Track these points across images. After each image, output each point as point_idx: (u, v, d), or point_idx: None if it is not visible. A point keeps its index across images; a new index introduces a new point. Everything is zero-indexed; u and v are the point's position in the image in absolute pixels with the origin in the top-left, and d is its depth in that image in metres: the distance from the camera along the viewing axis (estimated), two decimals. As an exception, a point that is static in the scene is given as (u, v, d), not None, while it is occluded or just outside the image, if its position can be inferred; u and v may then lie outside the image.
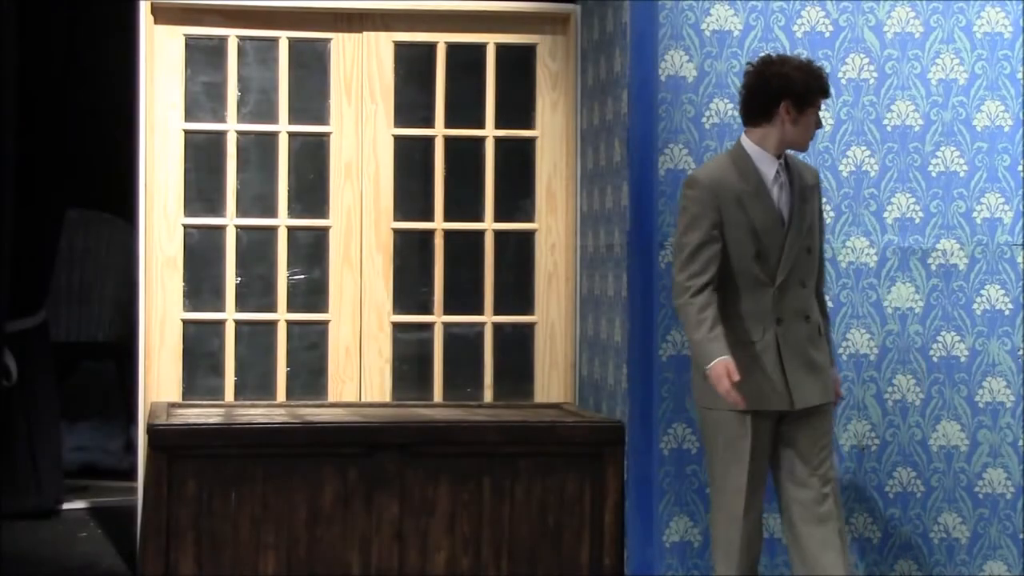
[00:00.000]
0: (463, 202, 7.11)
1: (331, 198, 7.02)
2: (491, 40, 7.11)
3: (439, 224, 7.08)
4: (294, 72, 7.03)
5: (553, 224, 7.14)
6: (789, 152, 5.52)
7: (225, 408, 6.73)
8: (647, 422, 6.19)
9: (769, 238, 5.42)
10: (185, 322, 6.93)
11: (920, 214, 6.33)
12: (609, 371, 6.51)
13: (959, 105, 6.34)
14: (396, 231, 7.06)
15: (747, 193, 5.43)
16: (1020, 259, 6.34)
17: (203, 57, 6.99)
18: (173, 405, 6.73)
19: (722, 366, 5.29)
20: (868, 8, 6.30)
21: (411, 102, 7.10)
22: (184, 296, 6.93)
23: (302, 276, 7.04)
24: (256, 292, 7.00)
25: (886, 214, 6.32)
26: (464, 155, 7.13)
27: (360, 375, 7.01)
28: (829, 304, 5.87)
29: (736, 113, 6.21)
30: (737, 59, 6.23)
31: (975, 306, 6.33)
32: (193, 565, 6.05)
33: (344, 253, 7.02)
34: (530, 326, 7.11)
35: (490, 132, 7.11)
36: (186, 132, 6.95)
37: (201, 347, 6.95)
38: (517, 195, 7.15)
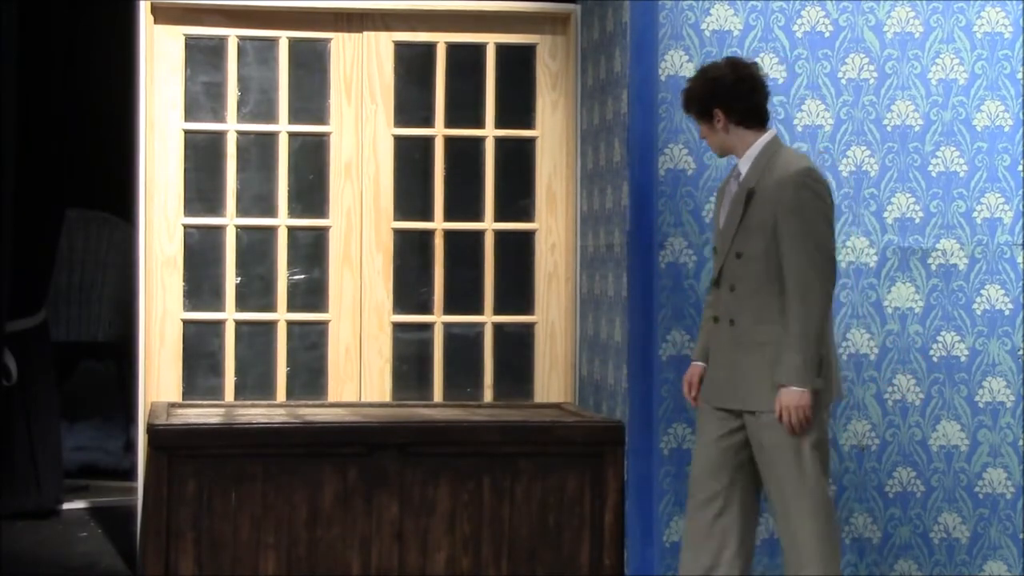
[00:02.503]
0: (463, 202, 7.11)
1: (331, 198, 7.02)
2: (491, 40, 7.11)
3: (439, 224, 7.08)
4: (294, 72, 7.03)
5: (553, 224, 7.14)
6: (777, 151, 5.45)
7: (225, 408, 6.73)
8: (647, 422, 6.19)
9: (717, 239, 5.55)
10: (185, 322, 6.93)
11: (920, 214, 6.33)
12: (609, 371, 6.51)
13: (959, 105, 6.34)
14: (396, 231, 7.06)
15: (723, 192, 5.58)
16: (1020, 259, 6.34)
17: (203, 57, 6.99)
18: (173, 405, 6.73)
19: (689, 370, 5.66)
20: (868, 8, 6.30)
21: (411, 102, 7.10)
22: (184, 296, 6.93)
23: (302, 276, 7.04)
24: (256, 292, 7.01)
25: (886, 214, 6.32)
26: (464, 155, 7.13)
27: (360, 375, 7.01)
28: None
29: (736, 113, 6.22)
30: (737, 59, 6.22)
31: (975, 306, 6.33)
32: (193, 565, 6.05)
33: (344, 253, 7.02)
34: (530, 326, 7.11)
35: (490, 132, 7.11)
36: (186, 132, 6.95)
37: (201, 347, 6.96)
38: (517, 195, 7.15)
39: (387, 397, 7.02)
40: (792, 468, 5.32)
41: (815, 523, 5.31)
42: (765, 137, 5.47)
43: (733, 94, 5.43)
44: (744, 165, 5.46)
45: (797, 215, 5.30)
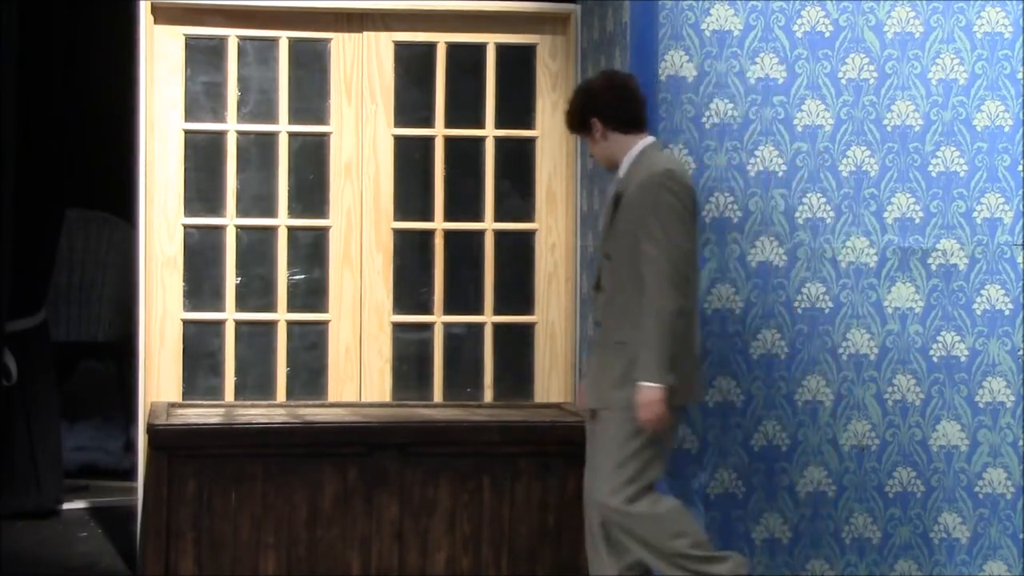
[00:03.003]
0: (463, 202, 7.11)
1: (331, 198, 7.02)
2: (491, 40, 7.11)
3: (439, 224, 7.08)
4: (294, 72, 7.03)
5: (553, 224, 7.14)
6: (649, 155, 5.58)
7: (225, 408, 6.73)
8: (647, 422, 6.19)
9: (597, 243, 5.71)
10: (185, 322, 6.93)
11: (920, 214, 6.33)
12: (609, 371, 6.51)
13: (959, 105, 6.34)
14: (396, 231, 7.06)
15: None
16: (1020, 259, 6.34)
17: (203, 57, 6.99)
18: (173, 405, 6.72)
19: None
20: (868, 8, 6.30)
21: (411, 102, 7.10)
22: (184, 296, 6.93)
23: (302, 276, 7.04)
24: (256, 292, 7.00)
25: (886, 214, 6.32)
26: (464, 155, 7.13)
27: (360, 375, 7.01)
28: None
29: (736, 113, 6.23)
30: (737, 59, 6.23)
31: (975, 306, 6.33)
32: (193, 565, 6.05)
33: (344, 253, 7.02)
34: (530, 326, 7.11)
35: (490, 132, 7.11)
36: (186, 132, 6.95)
37: (201, 347, 6.95)
38: (517, 195, 7.15)
39: (387, 397, 7.02)
40: (611, 459, 5.46)
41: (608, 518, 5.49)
42: (643, 142, 5.61)
43: (608, 102, 5.61)
44: (621, 170, 5.61)
45: (653, 216, 5.41)
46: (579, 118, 5.66)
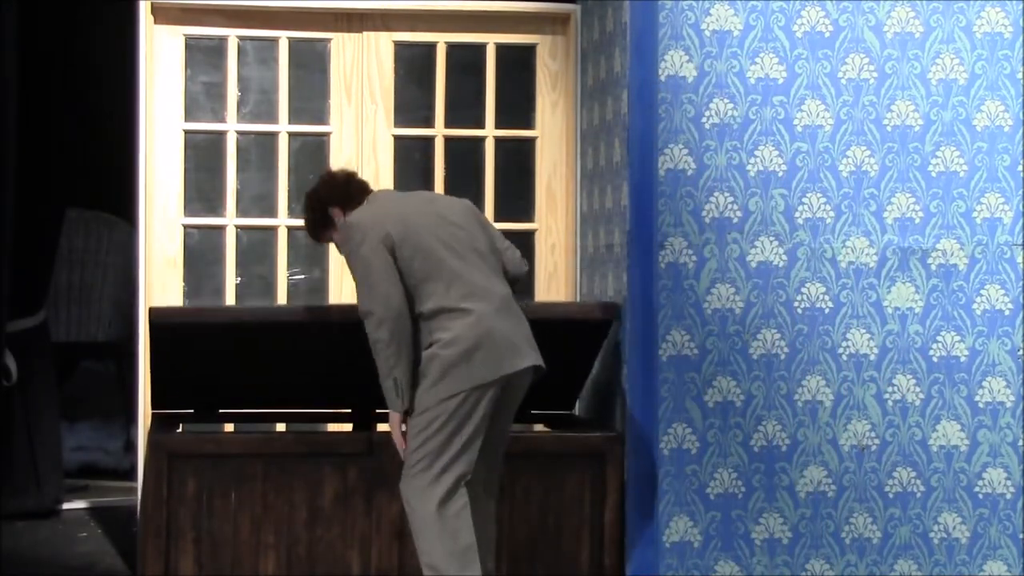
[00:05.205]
0: (463, 202, 7.10)
1: (331, 198, 7.02)
2: (491, 40, 7.11)
3: (439, 224, 7.07)
4: (294, 72, 7.03)
5: (553, 224, 7.14)
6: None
7: (225, 408, 6.72)
8: (647, 422, 6.19)
9: None
10: (185, 322, 6.92)
11: (920, 214, 6.33)
12: (609, 370, 6.51)
13: (959, 105, 6.34)
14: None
15: None
16: (1020, 259, 6.34)
17: (203, 57, 6.99)
18: (173, 405, 6.72)
19: None
20: (868, 8, 6.30)
21: (411, 102, 7.10)
22: (184, 296, 6.93)
23: (302, 276, 7.04)
24: (256, 292, 7.00)
25: (886, 214, 6.32)
26: (464, 155, 7.13)
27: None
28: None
29: (736, 113, 6.23)
30: (737, 59, 6.23)
31: (975, 306, 6.33)
32: (193, 565, 6.04)
33: (344, 253, 7.01)
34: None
35: (490, 132, 7.11)
36: (186, 132, 6.95)
37: (201, 347, 6.95)
38: (517, 195, 7.15)
39: (387, 397, 7.01)
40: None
41: (411, 513, 5.56)
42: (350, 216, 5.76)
43: (342, 189, 5.82)
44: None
45: (349, 262, 5.69)
46: (319, 217, 5.84)
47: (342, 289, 6.99)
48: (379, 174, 7.03)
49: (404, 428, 5.58)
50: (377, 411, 6.37)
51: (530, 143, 7.14)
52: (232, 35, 6.98)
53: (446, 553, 5.48)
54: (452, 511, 5.51)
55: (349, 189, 5.80)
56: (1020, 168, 6.34)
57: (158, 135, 6.90)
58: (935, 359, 6.32)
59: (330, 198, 5.79)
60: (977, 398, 6.32)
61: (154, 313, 6.09)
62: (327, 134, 7.04)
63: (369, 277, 5.55)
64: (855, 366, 6.28)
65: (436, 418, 5.50)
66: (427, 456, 5.51)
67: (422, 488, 5.51)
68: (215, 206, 6.98)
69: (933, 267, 6.33)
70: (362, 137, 7.04)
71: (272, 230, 7.01)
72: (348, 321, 5.74)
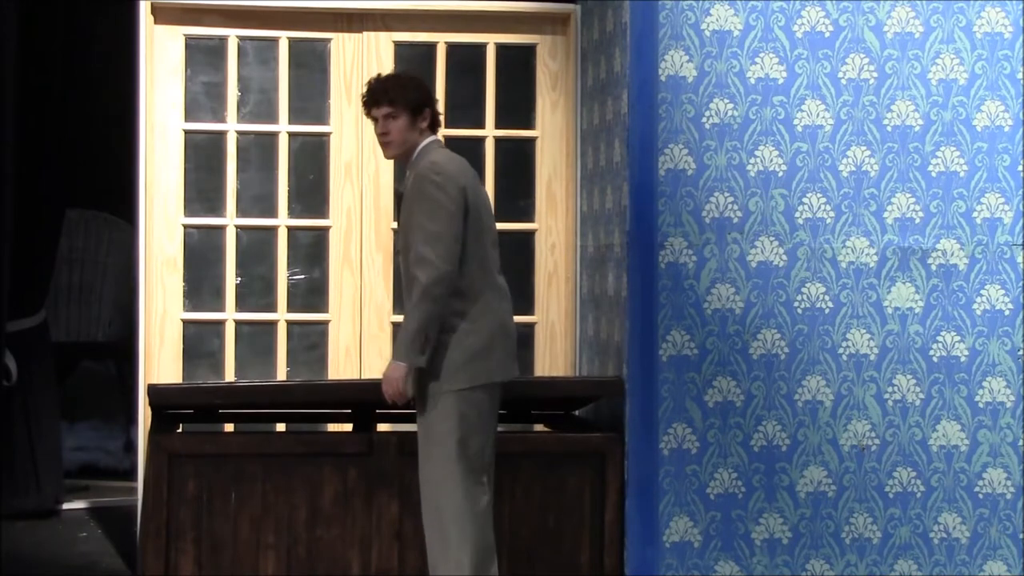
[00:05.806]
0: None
1: (331, 198, 7.02)
2: (491, 40, 7.11)
3: (439, 224, 7.07)
4: (294, 72, 7.03)
5: (553, 224, 7.14)
6: (427, 151, 5.67)
7: (225, 408, 6.72)
8: (647, 422, 6.19)
9: None
10: (185, 322, 6.93)
11: (920, 214, 6.33)
12: (609, 371, 6.51)
13: (959, 105, 6.34)
14: (396, 231, 7.06)
15: None
16: (1020, 259, 6.34)
17: (203, 57, 6.99)
18: (173, 405, 6.72)
19: None
20: (868, 8, 6.30)
21: (411, 102, 7.09)
22: (184, 296, 6.93)
23: (302, 276, 7.04)
24: (256, 292, 7.01)
25: (886, 214, 6.32)
26: (464, 155, 7.09)
27: (360, 375, 7.00)
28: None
29: (736, 113, 6.23)
30: (737, 59, 6.23)
31: (975, 306, 6.33)
32: (193, 565, 6.05)
33: (344, 253, 7.02)
34: (530, 326, 7.11)
35: (490, 132, 7.11)
36: (186, 132, 6.96)
37: (201, 347, 6.95)
38: (517, 195, 7.15)
39: (387, 397, 7.01)
40: (424, 453, 5.58)
41: (437, 519, 5.52)
42: (426, 140, 5.69)
43: (434, 102, 5.75)
44: (410, 168, 5.69)
45: (417, 205, 5.53)
46: (416, 98, 5.67)
47: (342, 289, 7.00)
48: (379, 174, 7.03)
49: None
50: (377, 411, 6.37)
51: (530, 143, 7.14)
52: (232, 35, 6.98)
53: (476, 549, 5.48)
54: (481, 507, 5.52)
55: (438, 119, 5.77)
56: (1020, 168, 6.34)
57: (158, 135, 6.90)
58: (935, 359, 6.32)
59: (432, 103, 5.72)
60: (977, 398, 6.33)
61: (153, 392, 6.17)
62: (327, 134, 7.04)
63: (440, 224, 5.46)
64: (855, 366, 6.28)
65: (466, 414, 5.50)
66: (461, 450, 5.49)
67: (456, 482, 5.50)
68: (215, 206, 6.98)
69: (933, 267, 6.33)
70: (362, 137, 7.04)
71: (272, 230, 7.01)
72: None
